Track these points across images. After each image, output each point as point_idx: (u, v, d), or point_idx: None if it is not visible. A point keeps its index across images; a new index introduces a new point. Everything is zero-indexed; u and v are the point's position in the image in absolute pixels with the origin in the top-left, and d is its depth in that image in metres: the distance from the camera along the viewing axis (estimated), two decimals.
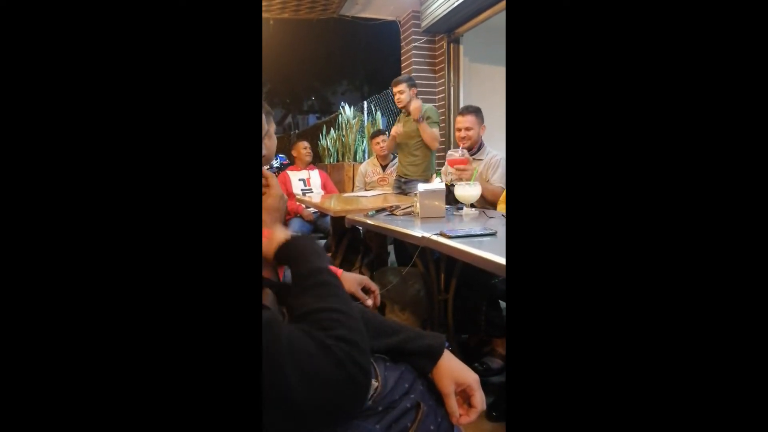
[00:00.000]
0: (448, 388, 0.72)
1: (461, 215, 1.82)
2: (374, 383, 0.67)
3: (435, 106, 4.07)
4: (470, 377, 0.73)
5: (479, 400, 0.72)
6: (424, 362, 0.74)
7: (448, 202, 1.92)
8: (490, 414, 1.53)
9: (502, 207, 2.13)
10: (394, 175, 3.32)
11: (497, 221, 1.62)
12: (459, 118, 2.37)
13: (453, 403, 0.71)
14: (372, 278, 2.27)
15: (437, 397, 0.72)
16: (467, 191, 1.82)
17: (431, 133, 2.80)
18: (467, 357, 1.83)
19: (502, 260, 0.95)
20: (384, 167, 3.41)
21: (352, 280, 1.22)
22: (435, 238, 1.26)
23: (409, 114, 3.09)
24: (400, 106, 3.12)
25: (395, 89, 3.09)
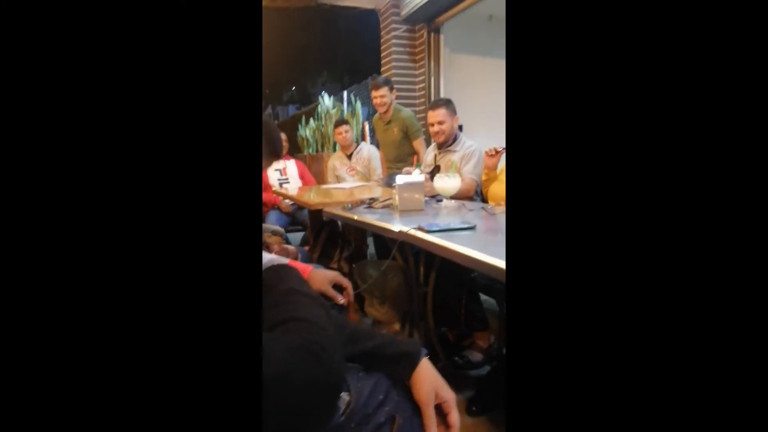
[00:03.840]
0: (427, 396, 0.68)
1: (441, 208, 1.78)
2: (346, 397, 0.64)
3: (415, 95, 4.04)
4: (449, 393, 0.70)
5: (455, 419, 0.68)
6: (401, 368, 0.70)
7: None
8: (469, 409, 1.51)
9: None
10: (364, 163, 3.29)
11: (476, 214, 1.59)
12: (430, 113, 2.32)
13: (432, 414, 0.67)
14: (351, 272, 2.24)
15: (414, 407, 0.68)
16: (446, 183, 1.79)
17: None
18: (448, 350, 1.81)
19: (480, 255, 0.93)
20: (349, 156, 3.35)
21: (321, 277, 1.17)
22: (413, 232, 1.22)
23: (389, 122, 3.08)
24: (381, 110, 3.10)
25: (375, 93, 3.06)
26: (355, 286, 2.18)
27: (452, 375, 1.76)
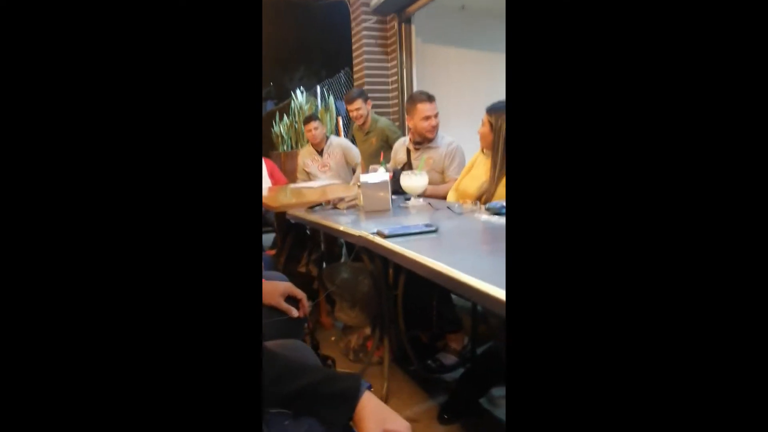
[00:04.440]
0: None
1: (408, 207, 1.71)
2: None
3: (388, 88, 3.95)
4: (400, 425, 0.62)
5: None
6: (338, 412, 0.62)
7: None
8: (441, 417, 1.45)
9: (452, 196, 2.04)
10: (336, 158, 3.20)
11: (443, 214, 1.52)
12: (426, 106, 2.18)
13: None
14: (320, 275, 2.16)
15: None
16: (413, 182, 1.71)
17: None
18: (420, 354, 1.75)
19: (438, 265, 0.85)
20: (321, 152, 3.24)
21: (273, 290, 1.08)
22: (371, 237, 1.14)
23: (368, 133, 3.02)
24: (359, 123, 3.06)
25: (350, 107, 3.03)
26: (325, 290, 2.11)
27: (425, 380, 1.70)
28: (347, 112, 3.13)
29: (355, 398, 0.61)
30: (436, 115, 2.22)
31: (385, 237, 1.09)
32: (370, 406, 0.62)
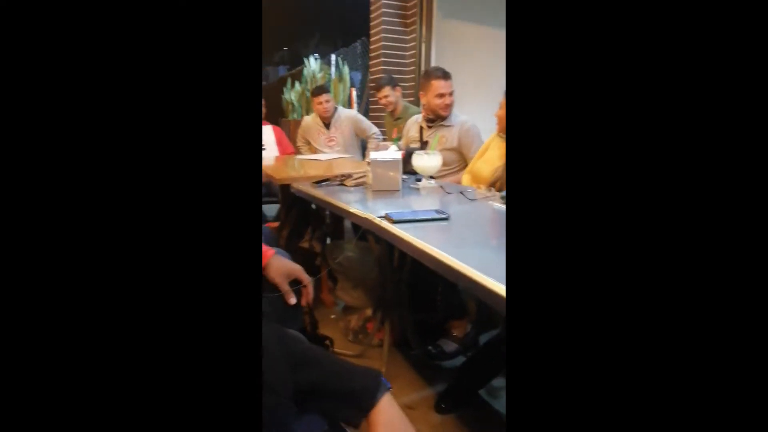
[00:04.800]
0: None
1: (418, 188, 1.64)
2: None
3: (405, 62, 3.82)
4: None
5: None
6: (351, 412, 0.56)
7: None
8: (438, 406, 1.41)
9: (465, 179, 1.96)
10: (344, 132, 3.10)
11: (455, 198, 1.45)
12: (441, 83, 2.11)
13: None
14: (323, 251, 2.11)
15: None
16: (426, 162, 1.63)
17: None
18: (422, 339, 1.71)
19: (445, 256, 0.79)
20: (328, 125, 3.11)
21: (279, 267, 1.02)
22: (378, 221, 1.08)
23: (398, 119, 2.96)
24: (389, 110, 3.01)
25: (380, 94, 2.96)
26: (327, 267, 2.06)
27: (425, 366, 1.67)
28: (361, 83, 3.05)
29: (373, 399, 0.56)
30: (451, 93, 2.14)
31: (393, 222, 1.03)
32: (388, 415, 0.56)
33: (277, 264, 1.02)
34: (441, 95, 2.13)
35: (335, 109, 3.14)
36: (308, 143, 3.23)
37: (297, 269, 1.03)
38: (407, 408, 1.43)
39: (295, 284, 1.02)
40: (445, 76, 2.14)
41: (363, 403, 0.55)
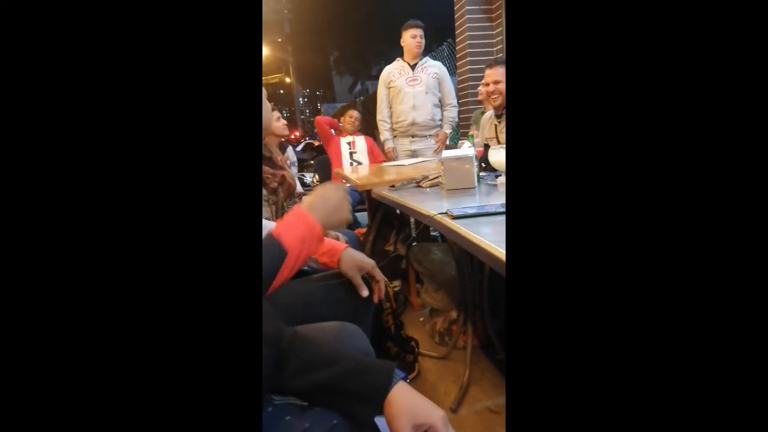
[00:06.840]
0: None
1: (496, 185, 1.57)
2: None
3: (492, 59, 3.71)
4: (434, 415, 0.55)
5: None
6: (363, 409, 0.56)
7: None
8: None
9: None
10: (428, 79, 3.00)
11: None
12: (488, 71, 2.02)
13: None
14: (407, 254, 2.11)
15: None
16: (502, 156, 1.56)
17: None
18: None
19: (497, 250, 0.74)
20: (413, 67, 3.02)
21: (351, 261, 1.03)
22: (439, 217, 1.06)
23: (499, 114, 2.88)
24: (494, 102, 2.91)
25: (491, 75, 2.86)
26: (414, 270, 2.06)
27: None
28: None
29: (384, 393, 0.55)
30: (497, 81, 2.01)
31: (453, 218, 1.00)
32: (401, 399, 0.55)
33: (348, 256, 1.04)
34: (486, 84, 2.04)
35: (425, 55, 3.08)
36: (390, 92, 3.14)
37: (369, 263, 1.04)
38: (491, 412, 1.38)
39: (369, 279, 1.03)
40: (492, 64, 2.04)
41: (377, 399, 0.55)
